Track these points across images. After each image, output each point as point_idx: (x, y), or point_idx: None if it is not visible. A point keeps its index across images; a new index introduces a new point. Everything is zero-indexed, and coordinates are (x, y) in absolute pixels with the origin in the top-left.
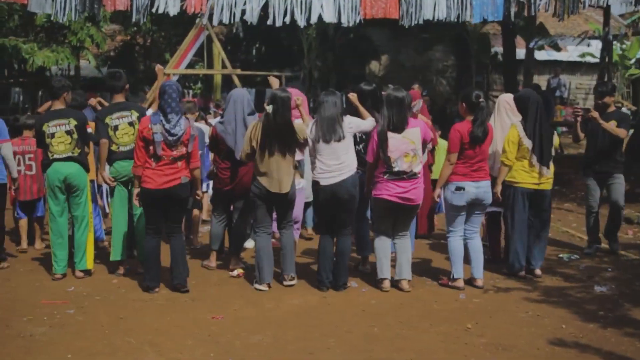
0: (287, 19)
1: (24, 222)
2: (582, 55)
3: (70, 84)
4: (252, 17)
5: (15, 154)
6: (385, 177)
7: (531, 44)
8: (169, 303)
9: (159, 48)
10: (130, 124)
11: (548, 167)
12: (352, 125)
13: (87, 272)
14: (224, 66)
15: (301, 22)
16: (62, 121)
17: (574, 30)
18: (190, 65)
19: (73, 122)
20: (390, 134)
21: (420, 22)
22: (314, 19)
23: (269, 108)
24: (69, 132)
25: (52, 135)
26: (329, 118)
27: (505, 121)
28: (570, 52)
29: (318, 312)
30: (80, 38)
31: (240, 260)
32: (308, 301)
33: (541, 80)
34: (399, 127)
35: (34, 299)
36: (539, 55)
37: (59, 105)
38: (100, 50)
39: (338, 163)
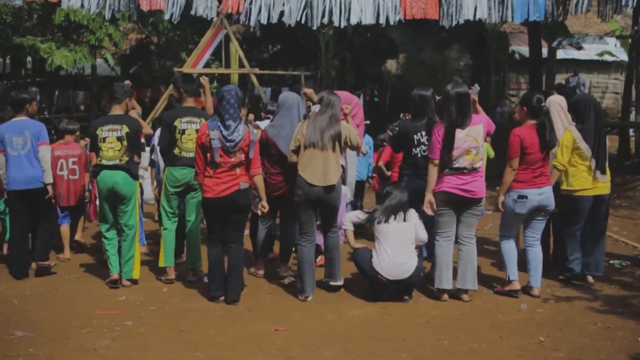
0: (326, 20)
1: (65, 229)
2: (601, 54)
3: (131, 90)
4: (290, 18)
5: (58, 158)
6: (444, 172)
7: (554, 43)
8: (227, 314)
9: (174, 47)
10: (197, 131)
11: (604, 172)
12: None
13: (134, 282)
14: (241, 65)
15: (341, 23)
16: (115, 126)
17: (590, 29)
18: (207, 65)
19: (125, 129)
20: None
21: (461, 22)
22: (353, 20)
23: (316, 107)
24: (119, 139)
25: (104, 140)
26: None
27: (557, 124)
28: (587, 51)
29: (382, 324)
30: (99, 37)
31: (289, 267)
32: (369, 312)
33: (560, 79)
34: (463, 123)
35: (88, 309)
36: (557, 54)
37: (118, 110)
38: (119, 49)
39: None
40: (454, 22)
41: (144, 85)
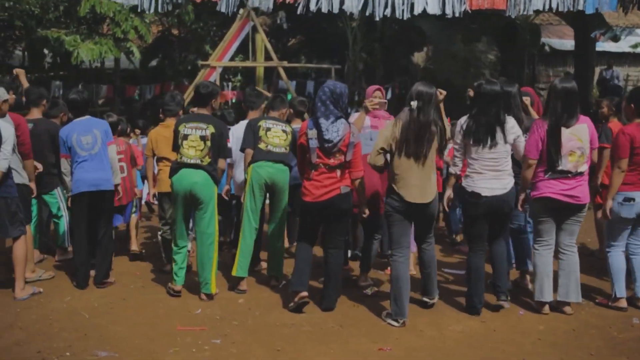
0: (388, 12)
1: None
2: (635, 46)
3: (219, 89)
4: (352, 7)
5: None
6: (546, 176)
7: (593, 34)
8: (317, 329)
9: (197, 39)
10: (284, 131)
11: None
12: None
13: (210, 296)
14: (268, 58)
15: (404, 15)
16: (200, 125)
17: (620, 20)
18: (231, 58)
19: (211, 129)
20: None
21: (530, 12)
22: (417, 11)
23: (414, 104)
24: (203, 138)
25: (186, 137)
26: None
27: None
28: (619, 43)
29: (490, 341)
30: (125, 29)
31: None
32: (470, 327)
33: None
34: (569, 122)
35: (167, 324)
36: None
37: (204, 111)
38: (145, 41)
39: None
40: (522, 13)
41: (167, 78)
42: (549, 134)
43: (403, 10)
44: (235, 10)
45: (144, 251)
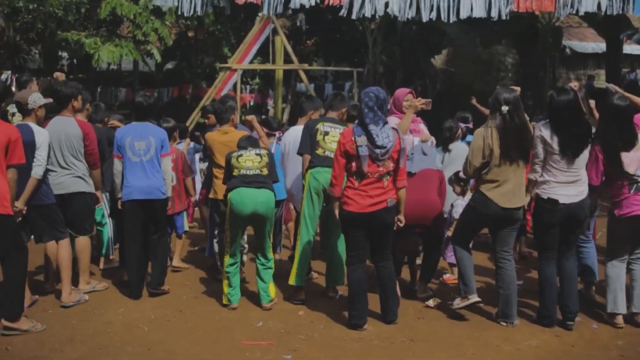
0: (434, 15)
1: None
2: None
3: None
4: (396, 10)
5: None
6: (631, 191)
7: (622, 36)
8: (387, 344)
9: (216, 42)
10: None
11: None
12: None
13: (272, 301)
14: (287, 60)
15: (450, 18)
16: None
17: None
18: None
19: (265, 153)
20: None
21: (580, 13)
22: (463, 15)
23: (504, 109)
24: (259, 155)
25: (241, 155)
26: None
27: None
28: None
29: (569, 356)
30: (146, 32)
31: (429, 288)
32: (546, 342)
33: None
34: (629, 145)
35: (229, 337)
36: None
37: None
38: (166, 44)
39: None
40: (571, 12)
41: (186, 81)
42: (606, 153)
43: (449, 14)
44: (279, 11)
45: (187, 267)
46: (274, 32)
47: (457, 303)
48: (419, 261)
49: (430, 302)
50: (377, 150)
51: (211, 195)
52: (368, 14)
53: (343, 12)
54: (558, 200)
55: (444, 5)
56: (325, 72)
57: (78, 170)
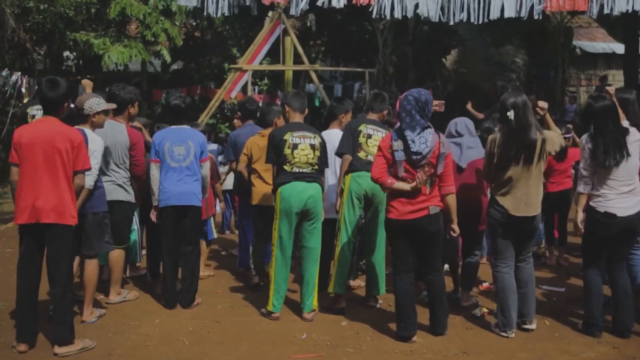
0: (464, 16)
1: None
2: None
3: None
4: (426, 10)
5: None
6: None
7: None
8: (439, 357)
9: (225, 43)
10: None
11: None
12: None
13: (314, 311)
14: (297, 61)
15: (479, 19)
16: (307, 134)
17: None
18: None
19: (318, 139)
20: None
21: (615, 13)
22: (493, 15)
23: (511, 114)
24: (312, 147)
25: (295, 147)
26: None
27: None
28: None
29: None
30: (156, 32)
31: (472, 296)
32: (604, 355)
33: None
34: None
35: (275, 350)
36: (618, 49)
37: (298, 119)
38: (176, 44)
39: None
40: (605, 13)
41: (194, 82)
42: None
43: (479, 14)
44: (303, 11)
45: (213, 275)
46: (284, 32)
47: (494, 327)
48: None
49: (477, 312)
50: (414, 157)
51: (253, 202)
52: (398, 15)
53: (374, 13)
54: (615, 213)
55: (474, 5)
56: (334, 73)
57: (119, 178)
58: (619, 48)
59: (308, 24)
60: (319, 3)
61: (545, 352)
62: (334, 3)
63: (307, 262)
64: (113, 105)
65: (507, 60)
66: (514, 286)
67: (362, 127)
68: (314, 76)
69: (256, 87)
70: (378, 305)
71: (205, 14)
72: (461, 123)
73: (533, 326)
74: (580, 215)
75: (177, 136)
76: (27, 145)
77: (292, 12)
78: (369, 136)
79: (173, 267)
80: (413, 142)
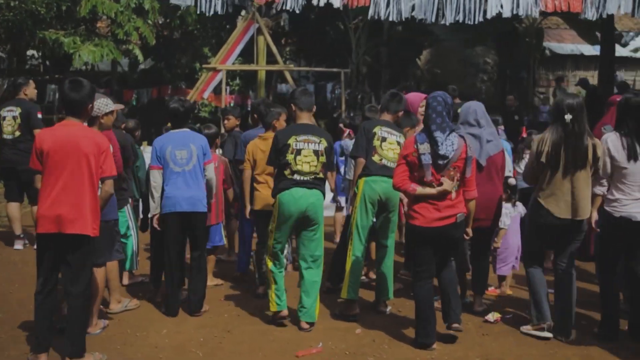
0: (460, 17)
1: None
2: (635, 50)
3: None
4: (422, 12)
5: None
6: None
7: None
8: None
9: (195, 42)
10: (399, 143)
11: None
12: None
13: (312, 324)
14: (270, 61)
15: (476, 19)
16: (312, 138)
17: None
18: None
19: (324, 143)
20: None
21: (604, 16)
22: (490, 15)
23: (568, 117)
24: (316, 153)
25: (299, 152)
26: None
27: None
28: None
29: None
30: (128, 31)
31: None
32: (625, 358)
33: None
34: None
35: None
36: (586, 50)
37: (306, 119)
38: (149, 43)
39: None
40: (597, 16)
41: (165, 82)
42: None
43: (475, 15)
44: (300, 8)
45: (222, 284)
46: (258, 31)
47: (527, 329)
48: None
49: (490, 317)
50: (440, 161)
51: (256, 207)
52: (394, 19)
53: (371, 13)
54: (631, 218)
55: (469, 6)
56: (306, 73)
57: None
58: (587, 49)
59: (282, 24)
60: (314, 2)
61: (567, 359)
62: (333, 1)
63: (306, 269)
64: (121, 106)
65: (479, 61)
66: (544, 280)
67: (376, 129)
68: (288, 76)
69: (228, 87)
70: (388, 311)
71: (197, 12)
72: (480, 110)
73: (573, 336)
74: (595, 215)
75: (178, 140)
76: (51, 151)
77: (288, 6)
78: (384, 139)
79: (175, 274)
80: (442, 144)
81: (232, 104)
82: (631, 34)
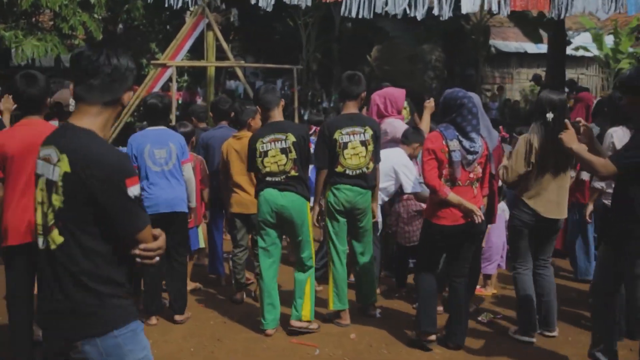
0: (436, 11)
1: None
2: (576, 49)
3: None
4: (394, 8)
5: None
6: None
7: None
8: None
9: (142, 37)
10: (363, 142)
11: None
12: None
13: (304, 324)
14: (219, 57)
15: (445, 14)
16: (278, 136)
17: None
18: None
19: (291, 138)
20: None
21: (570, 14)
22: (462, 11)
23: (550, 116)
24: (284, 151)
25: (265, 154)
26: None
27: None
28: None
29: None
30: (74, 25)
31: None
32: (622, 357)
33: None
34: None
35: None
36: (529, 48)
37: (277, 117)
38: (95, 38)
39: None
40: (563, 15)
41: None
42: None
43: (445, 10)
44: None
45: (199, 286)
46: (208, 27)
47: (513, 333)
48: None
49: (483, 318)
50: (470, 156)
51: (233, 210)
52: (367, 15)
53: (344, 10)
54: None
55: (442, 1)
56: (255, 70)
57: None
58: (531, 47)
59: (231, 19)
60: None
61: (567, 359)
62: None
63: (298, 273)
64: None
65: (429, 58)
66: (533, 288)
67: (336, 135)
68: (239, 73)
69: (176, 84)
70: (378, 314)
71: (166, 4)
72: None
73: (555, 333)
74: (591, 207)
75: (156, 138)
76: (16, 156)
77: (261, 4)
78: (345, 146)
79: (156, 278)
80: (471, 142)
81: (180, 101)
82: (572, 32)
